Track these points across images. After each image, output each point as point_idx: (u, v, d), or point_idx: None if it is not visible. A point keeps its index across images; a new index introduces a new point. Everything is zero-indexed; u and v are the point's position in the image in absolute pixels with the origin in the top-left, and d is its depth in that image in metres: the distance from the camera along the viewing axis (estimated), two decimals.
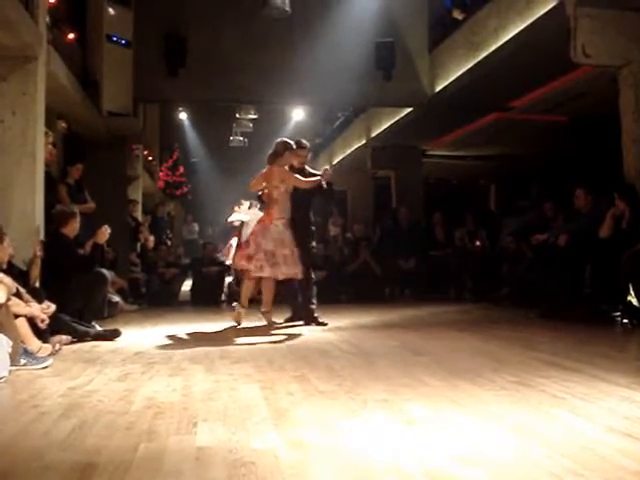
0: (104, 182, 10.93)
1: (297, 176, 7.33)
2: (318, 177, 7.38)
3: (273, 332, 6.93)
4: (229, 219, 11.24)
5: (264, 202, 7.59)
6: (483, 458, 2.48)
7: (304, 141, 7.82)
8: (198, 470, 2.42)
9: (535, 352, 5.16)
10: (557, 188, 11.00)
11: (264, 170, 7.43)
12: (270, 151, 7.50)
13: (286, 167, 7.36)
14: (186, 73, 11.96)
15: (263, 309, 7.48)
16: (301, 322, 7.48)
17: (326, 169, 7.66)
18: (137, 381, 4.21)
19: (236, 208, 11.56)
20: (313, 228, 7.77)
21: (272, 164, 7.34)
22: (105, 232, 7.14)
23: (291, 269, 7.13)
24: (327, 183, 7.47)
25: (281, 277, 7.25)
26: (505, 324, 7.36)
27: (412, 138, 15.44)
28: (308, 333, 6.78)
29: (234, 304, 7.83)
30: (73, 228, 7.06)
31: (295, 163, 7.54)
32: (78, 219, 7.12)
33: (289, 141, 7.55)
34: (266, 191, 7.42)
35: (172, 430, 2.98)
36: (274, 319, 7.52)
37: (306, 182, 7.32)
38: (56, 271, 6.65)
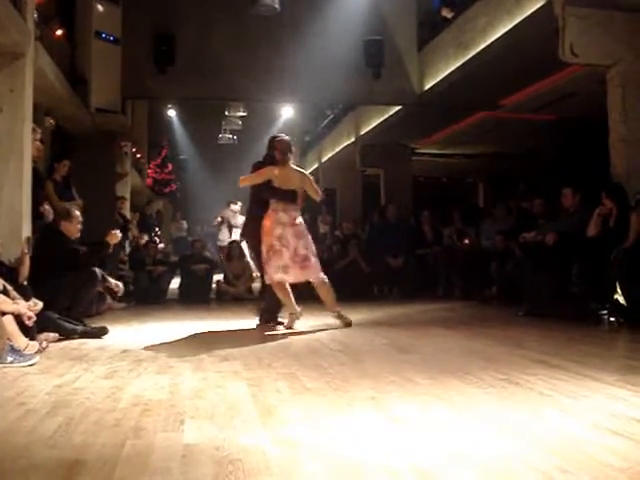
0: (92, 179, 10.87)
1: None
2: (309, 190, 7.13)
3: (260, 330, 6.92)
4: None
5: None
6: (471, 455, 2.48)
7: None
8: (185, 467, 2.41)
9: (523, 350, 5.18)
10: (545, 187, 11.05)
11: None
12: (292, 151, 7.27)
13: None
14: (175, 70, 11.94)
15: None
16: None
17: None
18: (124, 379, 4.19)
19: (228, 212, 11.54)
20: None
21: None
22: (116, 235, 7.13)
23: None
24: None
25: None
26: (493, 322, 7.38)
27: (401, 136, 15.47)
28: (296, 331, 6.77)
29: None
30: (72, 228, 6.94)
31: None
32: (78, 222, 7.00)
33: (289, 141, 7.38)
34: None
35: (159, 427, 2.97)
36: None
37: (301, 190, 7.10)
38: (49, 266, 6.61)
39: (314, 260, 7.00)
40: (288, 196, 6.96)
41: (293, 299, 7.05)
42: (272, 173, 6.99)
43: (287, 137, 7.33)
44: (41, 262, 6.60)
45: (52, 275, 6.57)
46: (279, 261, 6.81)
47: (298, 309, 7.06)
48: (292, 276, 6.91)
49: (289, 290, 7.03)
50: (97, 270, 7.02)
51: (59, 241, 6.84)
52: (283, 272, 6.84)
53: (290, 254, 6.82)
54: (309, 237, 7.06)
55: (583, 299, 7.38)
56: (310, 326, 7.13)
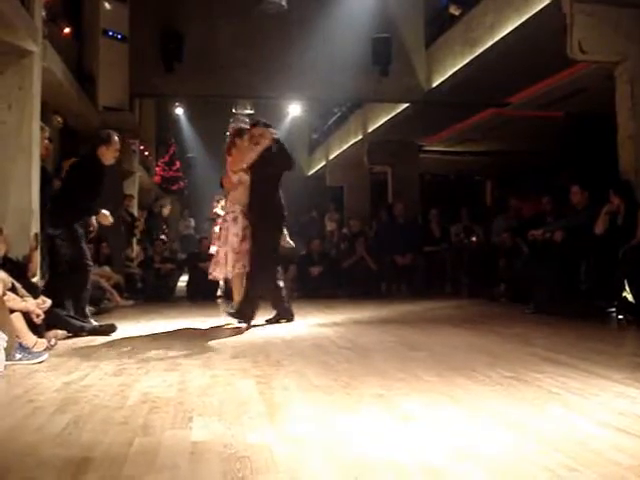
0: None
1: (244, 156, 7.10)
2: (264, 143, 7.03)
3: (269, 328, 6.92)
4: (216, 211, 11.30)
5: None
6: (478, 453, 2.48)
7: (262, 120, 7.44)
8: (193, 465, 2.42)
9: (531, 348, 5.17)
10: (553, 184, 11.05)
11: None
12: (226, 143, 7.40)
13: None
14: (182, 68, 11.94)
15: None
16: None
17: (266, 130, 7.17)
18: (133, 376, 4.20)
19: (215, 204, 11.63)
20: (285, 213, 7.28)
21: (229, 154, 7.22)
22: (107, 217, 7.09)
23: (223, 269, 7.10)
24: (274, 140, 7.14)
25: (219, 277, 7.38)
26: (501, 320, 7.36)
27: (409, 134, 15.44)
28: (304, 329, 6.77)
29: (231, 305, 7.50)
30: (108, 154, 6.85)
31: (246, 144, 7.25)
32: (116, 149, 6.93)
33: (240, 126, 7.42)
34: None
35: (167, 425, 2.98)
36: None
37: (249, 156, 7.04)
38: (69, 200, 6.66)
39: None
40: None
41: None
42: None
43: (232, 126, 7.48)
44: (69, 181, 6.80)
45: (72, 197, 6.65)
46: None
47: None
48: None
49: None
50: (89, 262, 6.90)
51: (97, 171, 6.79)
52: None
53: None
54: (226, 231, 7.10)
55: (591, 297, 7.38)
56: (317, 323, 7.14)
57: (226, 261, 7.00)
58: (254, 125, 7.30)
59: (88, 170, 6.78)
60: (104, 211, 6.99)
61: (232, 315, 7.04)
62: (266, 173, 7.04)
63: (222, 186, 7.39)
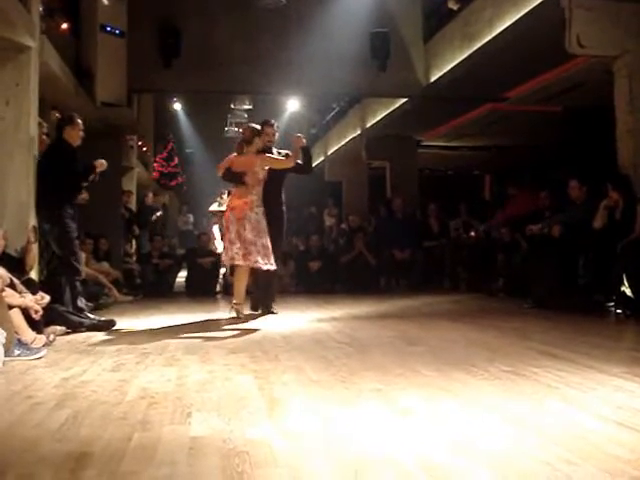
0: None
1: (279, 157, 7.37)
2: (296, 147, 7.32)
3: (268, 322, 6.92)
4: (210, 208, 11.28)
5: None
6: (477, 448, 2.48)
7: (272, 120, 7.74)
8: (192, 460, 2.42)
9: (529, 342, 5.17)
10: (551, 179, 11.04)
11: (232, 157, 7.33)
12: (239, 139, 7.53)
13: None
14: (180, 63, 11.90)
15: (235, 300, 7.27)
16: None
17: (297, 136, 7.44)
18: (131, 371, 4.20)
19: (218, 199, 11.62)
20: (284, 209, 7.66)
21: (241, 152, 7.27)
22: (103, 164, 7.09)
23: (267, 260, 7.06)
24: (303, 148, 7.46)
25: (255, 266, 7.12)
26: (500, 314, 7.36)
27: (407, 129, 15.43)
28: (303, 324, 6.77)
29: (234, 301, 7.31)
30: (74, 134, 6.96)
31: (262, 144, 7.38)
32: (80, 129, 7.03)
33: (256, 126, 7.50)
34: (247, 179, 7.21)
35: (166, 420, 2.98)
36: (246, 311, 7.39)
37: (289, 160, 7.27)
38: (52, 189, 6.71)
39: (256, 247, 7.03)
40: (235, 178, 7.22)
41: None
42: (230, 160, 7.32)
43: (251, 125, 7.56)
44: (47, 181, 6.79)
45: (54, 197, 6.71)
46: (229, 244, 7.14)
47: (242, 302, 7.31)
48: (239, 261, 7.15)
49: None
50: (77, 265, 6.90)
51: (66, 156, 6.85)
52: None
53: (233, 238, 7.06)
54: (258, 224, 7.08)
55: (590, 291, 7.38)
56: (316, 318, 7.14)
57: (264, 253, 7.06)
58: (266, 123, 7.55)
59: (60, 155, 6.85)
60: (97, 161, 7.05)
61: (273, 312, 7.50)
62: (280, 173, 7.37)
63: (236, 182, 7.31)
